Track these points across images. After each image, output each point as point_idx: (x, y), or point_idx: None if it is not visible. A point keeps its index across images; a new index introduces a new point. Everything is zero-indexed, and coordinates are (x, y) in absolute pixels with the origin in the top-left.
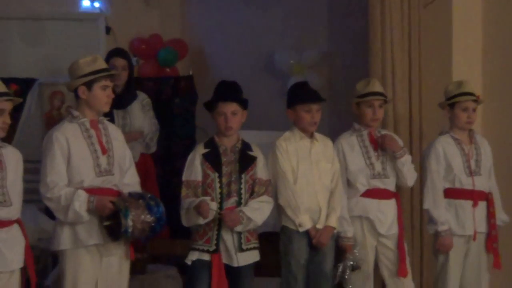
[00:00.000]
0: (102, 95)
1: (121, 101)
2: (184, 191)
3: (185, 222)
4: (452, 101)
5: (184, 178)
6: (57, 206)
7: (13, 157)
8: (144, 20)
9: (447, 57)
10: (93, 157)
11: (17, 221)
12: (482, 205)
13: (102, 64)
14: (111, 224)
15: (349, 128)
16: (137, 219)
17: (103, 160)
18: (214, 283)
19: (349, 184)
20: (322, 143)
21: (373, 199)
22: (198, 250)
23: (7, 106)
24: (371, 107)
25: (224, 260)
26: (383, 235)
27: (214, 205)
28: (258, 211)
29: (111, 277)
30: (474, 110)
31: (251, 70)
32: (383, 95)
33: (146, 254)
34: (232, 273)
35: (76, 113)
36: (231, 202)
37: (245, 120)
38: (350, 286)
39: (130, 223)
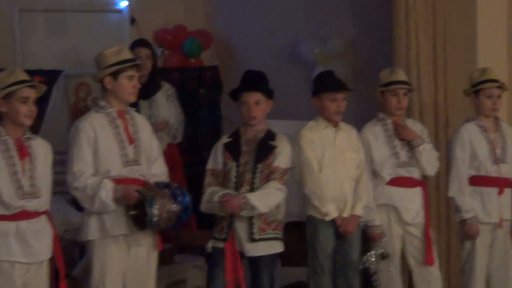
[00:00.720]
0: (128, 85)
1: (146, 91)
2: (207, 179)
3: (204, 208)
4: (477, 88)
5: (208, 166)
6: (84, 195)
7: (42, 149)
8: (168, 10)
9: (472, 44)
10: (119, 147)
11: (45, 212)
12: (508, 192)
13: (127, 55)
14: (137, 213)
15: (374, 117)
16: (162, 208)
17: (130, 150)
18: (228, 271)
19: (374, 173)
20: (347, 132)
21: (399, 188)
22: (214, 238)
23: (31, 93)
24: (395, 96)
25: (239, 248)
26: (409, 224)
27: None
28: (264, 198)
29: (139, 268)
30: (499, 96)
31: (276, 59)
32: (408, 84)
33: (173, 244)
34: (252, 262)
35: (102, 103)
36: (242, 191)
37: (270, 110)
38: (378, 274)
39: (155, 212)
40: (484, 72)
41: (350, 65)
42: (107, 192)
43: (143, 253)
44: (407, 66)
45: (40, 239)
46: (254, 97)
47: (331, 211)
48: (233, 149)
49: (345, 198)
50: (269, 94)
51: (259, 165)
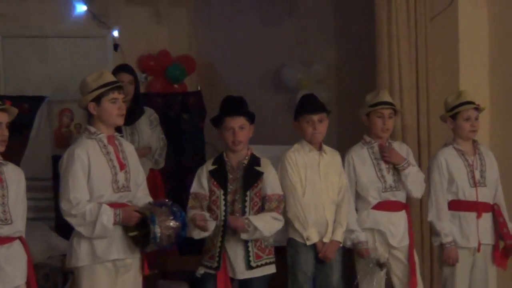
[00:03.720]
0: (112, 108)
1: (129, 117)
2: (190, 202)
3: (190, 234)
4: (454, 112)
5: (192, 190)
6: (82, 222)
7: (14, 175)
8: (152, 36)
9: (454, 69)
10: (112, 173)
11: (19, 238)
12: (486, 216)
13: (108, 78)
14: (137, 234)
15: (357, 140)
16: (163, 225)
17: (120, 176)
18: None
19: (360, 197)
20: (331, 156)
21: (384, 212)
22: (204, 266)
23: (3, 118)
24: (381, 117)
25: (231, 275)
26: (395, 247)
27: (212, 223)
28: (265, 222)
29: None
30: (477, 118)
31: (259, 85)
32: (393, 105)
33: (156, 270)
34: (244, 285)
35: (93, 129)
36: None
37: (252, 135)
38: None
39: (158, 229)
40: (459, 95)
41: (333, 90)
42: (108, 216)
43: (131, 278)
44: (390, 90)
45: (13, 264)
46: (239, 122)
47: (313, 236)
48: (219, 176)
49: (326, 223)
50: (251, 118)
51: (248, 193)
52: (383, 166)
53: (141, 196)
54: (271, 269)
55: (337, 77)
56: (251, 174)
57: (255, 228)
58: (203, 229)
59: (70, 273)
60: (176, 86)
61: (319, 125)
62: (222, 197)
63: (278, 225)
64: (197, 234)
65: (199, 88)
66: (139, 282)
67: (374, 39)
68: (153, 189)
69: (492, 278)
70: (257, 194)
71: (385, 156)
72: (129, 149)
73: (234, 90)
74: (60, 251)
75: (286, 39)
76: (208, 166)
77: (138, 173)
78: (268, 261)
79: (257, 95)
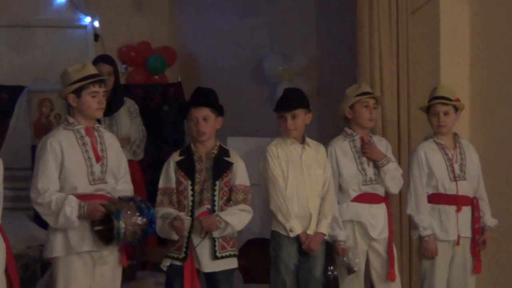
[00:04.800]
0: (92, 102)
1: (108, 107)
2: (159, 198)
3: (158, 232)
4: (426, 106)
5: (160, 185)
6: (48, 211)
7: None
8: (133, 27)
9: (435, 63)
10: (87, 165)
11: None
12: (466, 210)
13: (90, 70)
14: (103, 228)
15: (339, 133)
16: (128, 221)
17: (96, 168)
18: None
19: (340, 189)
20: (314, 149)
21: (364, 204)
22: (170, 257)
23: None
24: (367, 107)
25: (197, 266)
26: (375, 239)
27: (188, 222)
28: (235, 216)
29: (104, 285)
30: (446, 113)
31: (240, 76)
32: (376, 96)
33: (135, 261)
34: (209, 278)
35: (71, 119)
36: (202, 210)
37: (233, 127)
38: None
39: (122, 225)
40: (433, 90)
41: (313, 82)
42: (72, 208)
43: (108, 270)
44: (371, 84)
45: None
46: (202, 113)
47: (296, 228)
48: (186, 167)
49: (310, 215)
50: (218, 110)
51: (218, 182)
52: (364, 159)
53: (122, 189)
54: (234, 263)
55: (318, 69)
56: (221, 164)
57: (227, 224)
58: (181, 232)
59: (48, 263)
60: (156, 77)
61: (293, 121)
62: (190, 187)
63: (247, 216)
64: (175, 236)
65: (179, 80)
66: (118, 274)
67: (355, 31)
68: (131, 181)
69: (471, 270)
70: (226, 184)
71: (366, 152)
72: (110, 141)
73: (215, 81)
74: (39, 241)
75: (267, 30)
76: (175, 157)
77: (119, 166)
78: (232, 253)
79: (238, 87)
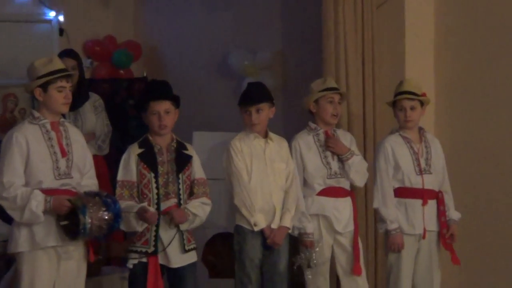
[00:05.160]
0: (58, 97)
1: (73, 102)
2: (118, 191)
3: (122, 226)
4: (393, 101)
5: (119, 178)
6: (13, 205)
7: None
8: (98, 21)
9: (400, 57)
10: (52, 160)
11: None
12: (432, 203)
13: (57, 65)
14: (68, 223)
15: (303, 128)
16: (94, 216)
17: (62, 163)
18: (150, 285)
19: (305, 183)
20: (277, 143)
21: (329, 198)
22: (137, 252)
23: None
24: (331, 103)
25: (162, 261)
26: (340, 233)
27: (153, 210)
28: (199, 208)
29: (69, 280)
30: (413, 108)
31: (205, 71)
32: (341, 92)
33: (101, 256)
34: (173, 274)
35: (37, 114)
36: (169, 202)
37: (199, 121)
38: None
39: (88, 220)
40: (400, 85)
41: (279, 76)
42: (37, 202)
43: (73, 265)
44: (336, 78)
45: None
46: (164, 106)
47: (260, 222)
48: (148, 159)
49: (274, 209)
50: (177, 102)
51: (181, 175)
52: (328, 153)
53: (87, 184)
54: (195, 257)
55: (283, 64)
56: (182, 157)
57: (195, 216)
58: (154, 220)
59: (13, 258)
60: (122, 71)
61: (257, 115)
62: (153, 179)
63: (208, 209)
64: (141, 226)
65: (145, 74)
66: (83, 269)
67: (320, 25)
68: (96, 176)
69: (436, 264)
70: (188, 177)
71: (329, 146)
72: (76, 136)
73: (180, 76)
74: (3, 237)
75: (232, 25)
76: (135, 150)
77: (84, 161)
78: (195, 245)
79: (203, 81)
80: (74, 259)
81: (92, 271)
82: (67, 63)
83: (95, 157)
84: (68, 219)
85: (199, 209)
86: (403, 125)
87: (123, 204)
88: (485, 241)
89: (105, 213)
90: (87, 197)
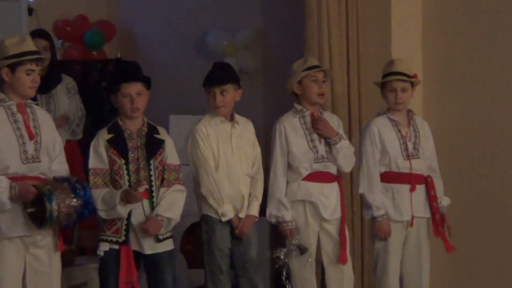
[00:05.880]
0: (26, 80)
1: (44, 85)
2: (91, 179)
3: (104, 215)
4: (382, 82)
5: (90, 165)
6: None
7: None
8: (69, 0)
9: (386, 36)
10: (19, 143)
11: None
12: (420, 189)
13: (29, 46)
14: (35, 210)
15: (285, 110)
16: (62, 203)
17: (30, 146)
18: (122, 274)
19: (290, 168)
20: (243, 126)
21: (316, 183)
22: (107, 241)
23: None
24: (315, 82)
25: (135, 247)
26: (326, 220)
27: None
28: (174, 206)
29: (40, 270)
30: (404, 90)
31: (182, 52)
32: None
33: (73, 246)
34: (150, 262)
35: (2, 95)
36: (141, 189)
37: (176, 105)
38: (292, 273)
39: (55, 207)
40: (390, 65)
41: (260, 57)
42: (2, 189)
43: (43, 255)
44: (319, 59)
45: None
46: (136, 88)
47: (228, 212)
48: (118, 144)
49: (242, 197)
50: (148, 84)
51: (152, 161)
52: (315, 136)
53: (57, 169)
54: (172, 244)
55: (264, 44)
56: (153, 142)
57: (169, 220)
58: (138, 199)
59: None
60: (94, 53)
61: (222, 97)
62: (124, 166)
63: (183, 197)
64: (125, 212)
65: (118, 55)
66: (56, 259)
67: (302, 3)
68: (70, 161)
69: (425, 252)
70: (160, 163)
71: (318, 128)
72: (44, 118)
73: (156, 57)
74: None
75: (209, 2)
76: (104, 135)
77: (53, 144)
78: (171, 234)
79: (181, 63)
80: (44, 249)
81: (65, 262)
82: (39, 43)
83: (68, 142)
84: (35, 206)
85: (174, 207)
86: (392, 107)
87: (102, 192)
88: (473, 224)
89: (74, 200)
90: (55, 182)
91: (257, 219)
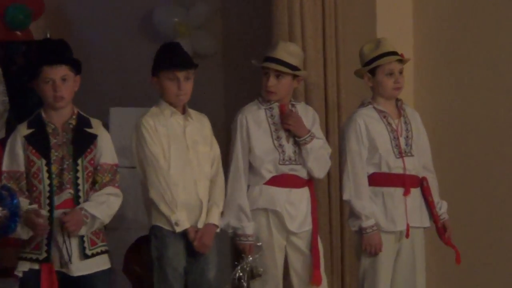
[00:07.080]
0: None
1: None
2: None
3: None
4: (373, 66)
5: (4, 167)
6: None
7: None
8: None
9: (370, 13)
10: None
11: None
12: (415, 193)
13: None
14: None
15: (247, 98)
16: None
17: None
18: None
19: (251, 169)
20: (198, 121)
21: (281, 188)
22: (27, 259)
23: None
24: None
25: (58, 268)
26: (294, 233)
27: (44, 212)
28: (104, 206)
29: None
30: (401, 72)
31: (124, 32)
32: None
33: None
34: (80, 285)
35: None
36: (65, 195)
37: (117, 95)
38: None
39: None
40: (378, 45)
41: (218, 37)
42: None
43: None
44: (290, 38)
45: None
46: (60, 72)
47: (183, 221)
48: (38, 142)
49: (200, 203)
50: (76, 67)
51: (80, 161)
52: (282, 133)
53: None
54: (107, 263)
55: (222, 21)
56: (82, 138)
57: (94, 218)
58: (43, 231)
59: None
60: (18, 33)
61: (186, 84)
62: (45, 168)
63: (117, 202)
64: (27, 234)
65: (48, 36)
66: None
67: None
68: None
69: (420, 268)
70: (91, 162)
71: (288, 124)
72: None
73: (93, 38)
74: None
75: None
76: (22, 130)
77: None
78: (103, 248)
79: (122, 46)
80: None
81: None
82: None
83: None
84: None
85: (103, 207)
86: (390, 94)
87: None
88: (469, 222)
89: None
90: None
91: (218, 230)
